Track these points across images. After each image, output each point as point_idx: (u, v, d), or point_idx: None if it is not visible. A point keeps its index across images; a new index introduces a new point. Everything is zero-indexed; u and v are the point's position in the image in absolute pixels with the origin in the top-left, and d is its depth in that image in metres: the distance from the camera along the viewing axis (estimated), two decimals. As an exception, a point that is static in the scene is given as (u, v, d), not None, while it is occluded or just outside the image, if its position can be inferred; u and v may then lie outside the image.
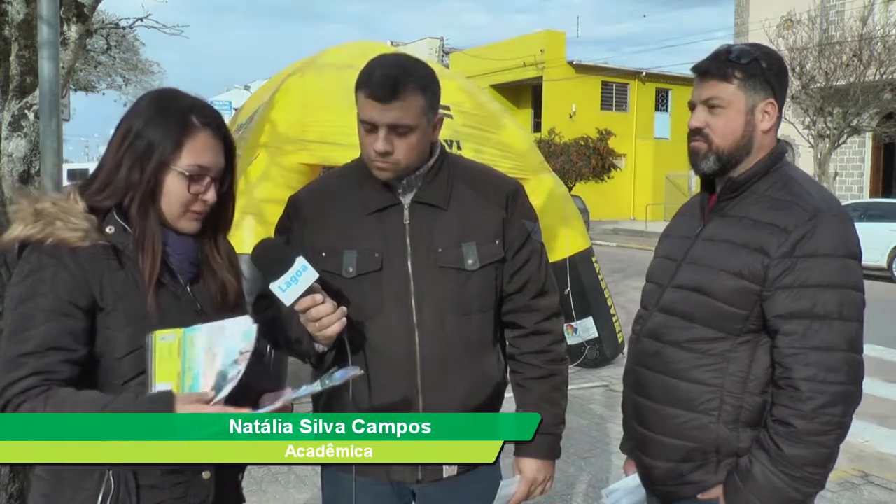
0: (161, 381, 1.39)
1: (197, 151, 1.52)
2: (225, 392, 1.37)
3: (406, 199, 1.80)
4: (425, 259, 1.77)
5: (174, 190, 1.52)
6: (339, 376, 1.48)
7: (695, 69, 1.81)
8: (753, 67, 1.75)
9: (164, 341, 1.39)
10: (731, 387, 1.71)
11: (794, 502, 1.66)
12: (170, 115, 1.51)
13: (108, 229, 1.48)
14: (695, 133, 1.80)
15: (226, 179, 1.61)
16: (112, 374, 1.46)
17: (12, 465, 3.10)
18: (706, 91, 1.77)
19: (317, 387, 1.46)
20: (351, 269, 1.77)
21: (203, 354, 1.38)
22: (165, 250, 1.52)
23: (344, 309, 1.60)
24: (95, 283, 1.44)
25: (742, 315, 1.69)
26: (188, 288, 1.57)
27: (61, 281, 1.43)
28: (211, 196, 1.55)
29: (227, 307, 1.61)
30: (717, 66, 1.76)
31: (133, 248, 1.48)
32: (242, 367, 1.39)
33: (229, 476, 1.64)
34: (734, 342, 1.71)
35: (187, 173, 1.51)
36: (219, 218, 1.65)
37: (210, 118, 1.55)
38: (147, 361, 1.40)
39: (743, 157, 1.78)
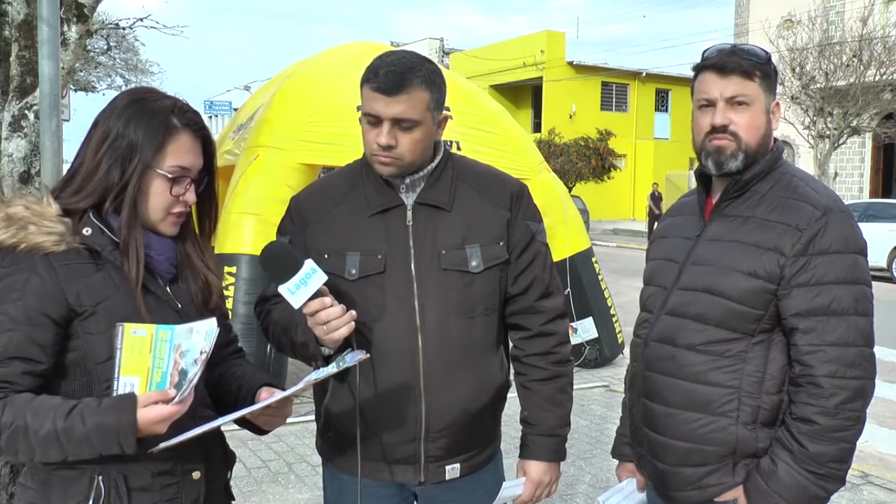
0: (127, 375, 1.35)
1: (178, 153, 1.50)
2: (184, 392, 1.35)
3: (409, 200, 1.78)
4: (429, 261, 1.75)
5: (156, 192, 1.50)
6: (349, 359, 1.51)
7: (714, 66, 1.74)
8: (768, 67, 1.74)
9: (135, 335, 1.35)
10: (749, 387, 1.70)
11: (818, 500, 1.66)
12: (151, 116, 1.49)
13: (84, 231, 1.45)
14: (719, 130, 1.74)
15: (203, 179, 1.59)
16: (94, 378, 1.43)
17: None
18: (730, 87, 1.72)
19: (333, 368, 1.49)
20: (353, 272, 1.74)
21: (172, 353, 1.36)
22: (147, 252, 1.50)
23: (353, 313, 1.59)
24: (71, 289, 1.41)
25: (757, 315, 1.69)
26: (167, 288, 1.56)
27: (32, 288, 1.38)
28: (190, 197, 1.54)
29: (208, 308, 1.60)
30: (740, 62, 1.72)
31: (112, 250, 1.46)
32: (200, 368, 1.36)
33: (218, 474, 1.64)
34: (749, 342, 1.70)
35: (170, 175, 1.49)
36: (202, 218, 1.64)
37: (190, 119, 1.54)
38: (115, 352, 1.36)
39: (761, 156, 1.76)
